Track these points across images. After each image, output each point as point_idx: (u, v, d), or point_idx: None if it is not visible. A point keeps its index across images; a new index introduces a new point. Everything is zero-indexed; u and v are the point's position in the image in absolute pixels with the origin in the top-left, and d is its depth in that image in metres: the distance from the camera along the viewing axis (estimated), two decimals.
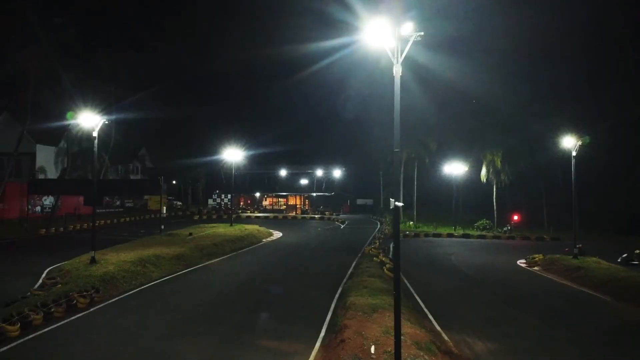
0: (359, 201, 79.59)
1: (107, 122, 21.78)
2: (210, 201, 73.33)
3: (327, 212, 64.64)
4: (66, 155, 47.40)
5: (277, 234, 39.74)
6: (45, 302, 13.97)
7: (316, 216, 62.40)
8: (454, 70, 39.73)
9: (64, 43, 31.38)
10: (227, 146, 44.83)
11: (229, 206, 62.99)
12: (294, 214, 65.84)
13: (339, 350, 11.33)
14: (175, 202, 71.90)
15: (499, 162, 43.54)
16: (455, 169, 44.44)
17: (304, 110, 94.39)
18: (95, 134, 21.29)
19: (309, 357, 11.42)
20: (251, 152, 59.14)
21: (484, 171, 45.01)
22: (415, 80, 37.94)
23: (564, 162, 38.01)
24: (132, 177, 62.01)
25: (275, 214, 63.94)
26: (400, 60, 9.09)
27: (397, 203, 9.02)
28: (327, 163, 74.66)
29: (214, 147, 52.98)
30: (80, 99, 24.97)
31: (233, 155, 44.40)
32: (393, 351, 9.78)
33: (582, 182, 32.55)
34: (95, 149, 21.53)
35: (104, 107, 23.03)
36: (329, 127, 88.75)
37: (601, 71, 44.46)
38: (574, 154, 26.36)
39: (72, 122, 24.54)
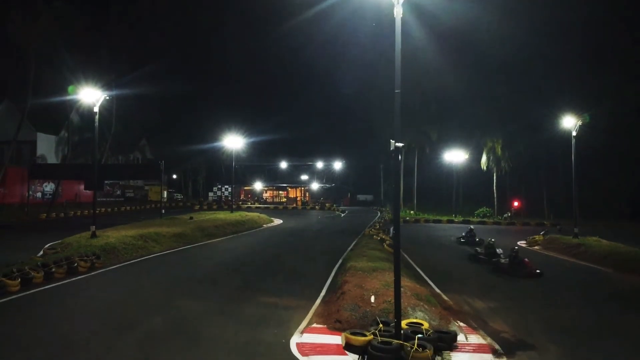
0: (360, 197, 79.95)
1: (107, 98, 21.77)
2: (210, 194, 73.43)
3: (327, 204, 64.71)
4: (67, 144, 47.45)
5: (277, 221, 39.84)
6: (46, 262, 14.00)
7: (317, 207, 62.55)
8: (454, 56, 39.72)
9: (64, 20, 31.37)
10: (227, 134, 44.83)
11: (229, 198, 63.04)
12: (294, 205, 65.98)
13: (339, 301, 11.36)
14: (175, 195, 72.04)
15: (499, 149, 43.53)
16: (455, 156, 44.42)
17: (302, 93, 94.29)
18: (96, 109, 21.32)
19: (309, 310, 11.44)
20: (251, 140, 59.04)
21: (484, 159, 45.00)
22: (415, 70, 37.99)
23: (563, 150, 37.98)
24: None
25: (276, 206, 64.10)
26: (401, 1, 9.09)
27: (397, 144, 9.04)
28: (328, 155, 74.78)
29: (214, 136, 53.01)
30: (81, 78, 24.94)
31: (233, 142, 44.37)
32: (393, 300, 9.76)
33: (583, 171, 32.38)
34: (96, 124, 21.52)
35: (105, 83, 22.98)
36: (328, 115, 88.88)
37: (600, 55, 44.20)
38: (574, 133, 26.34)
39: (73, 97, 24.51)
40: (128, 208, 49.34)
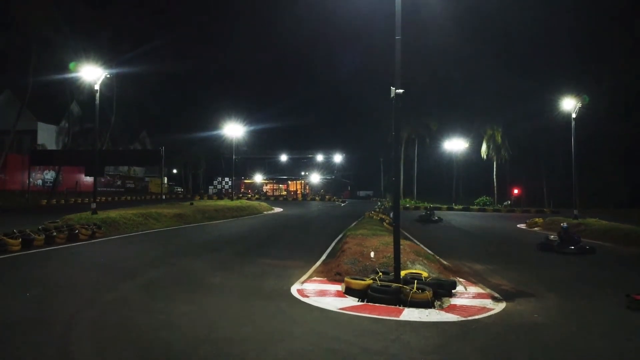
0: (361, 193, 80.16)
1: (108, 76, 21.83)
2: (210, 188, 73.55)
3: (327, 196, 64.78)
4: (67, 135, 47.48)
5: (278, 209, 39.95)
6: (47, 227, 14.06)
7: (317, 198, 62.76)
8: (454, 44, 39.75)
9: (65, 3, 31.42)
10: (227, 123, 44.87)
11: (229, 191, 63.10)
12: (294, 197, 66.16)
13: (339, 258, 11.44)
14: (176, 188, 72.14)
15: (499, 137, 43.52)
16: (455, 145, 44.46)
17: (303, 85, 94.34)
18: (97, 87, 21.37)
19: (309, 268, 11.48)
20: (252, 128, 58.89)
21: (484, 147, 44.98)
22: (415, 56, 38.01)
23: (563, 139, 37.81)
24: None
25: (276, 197, 64.31)
26: None
27: (397, 91, 9.09)
28: (328, 149, 74.83)
29: (214, 127, 53.06)
30: (83, 57, 24.85)
31: (234, 130, 44.43)
32: (392, 255, 9.81)
33: (582, 161, 32.08)
34: (97, 101, 21.56)
35: (106, 60, 23.03)
36: (329, 109, 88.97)
37: (599, 36, 43.89)
38: (573, 115, 26.39)
39: (74, 75, 24.50)
40: (128, 198, 49.34)
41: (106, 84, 23.59)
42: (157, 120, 60.30)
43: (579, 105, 26.40)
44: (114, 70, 23.65)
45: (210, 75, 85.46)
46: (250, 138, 63.68)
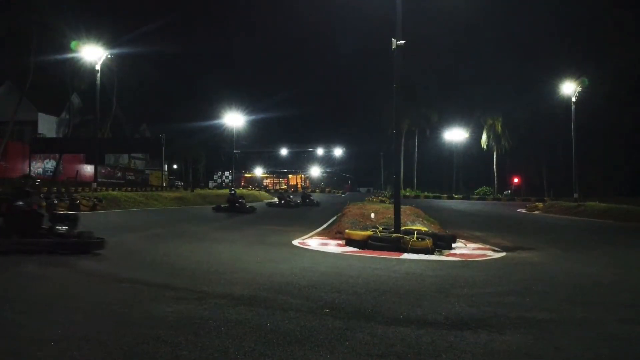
0: (361, 189, 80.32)
1: (109, 56, 21.90)
2: (211, 183, 73.63)
3: (327, 189, 64.91)
4: (68, 126, 47.47)
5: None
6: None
7: (317, 190, 62.99)
8: (454, 35, 39.77)
9: None
10: (227, 112, 44.96)
11: (230, 184, 63.19)
12: (294, 190, 66.43)
13: (341, 220, 11.52)
14: (177, 182, 72.17)
15: (499, 127, 43.46)
16: (456, 135, 44.49)
17: (304, 78, 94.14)
18: (98, 67, 21.44)
19: (310, 232, 11.53)
20: (251, 117, 58.64)
21: (484, 137, 44.91)
22: (416, 48, 38.00)
23: (562, 128, 37.71)
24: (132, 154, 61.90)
25: (277, 190, 64.61)
26: None
27: (398, 42, 9.13)
28: (328, 142, 74.91)
29: (214, 119, 53.11)
30: (83, 38, 24.70)
31: (234, 120, 44.53)
32: (392, 217, 9.86)
33: (582, 151, 31.90)
34: (98, 82, 21.64)
35: (106, 41, 22.96)
36: (330, 104, 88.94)
37: (597, 21, 43.49)
38: (573, 99, 26.41)
39: (75, 54, 24.43)
40: (129, 189, 49.33)
41: (107, 67, 23.58)
42: (157, 113, 60.18)
43: (579, 89, 26.43)
44: (115, 51, 23.67)
45: (209, 66, 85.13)
46: (250, 131, 63.76)
